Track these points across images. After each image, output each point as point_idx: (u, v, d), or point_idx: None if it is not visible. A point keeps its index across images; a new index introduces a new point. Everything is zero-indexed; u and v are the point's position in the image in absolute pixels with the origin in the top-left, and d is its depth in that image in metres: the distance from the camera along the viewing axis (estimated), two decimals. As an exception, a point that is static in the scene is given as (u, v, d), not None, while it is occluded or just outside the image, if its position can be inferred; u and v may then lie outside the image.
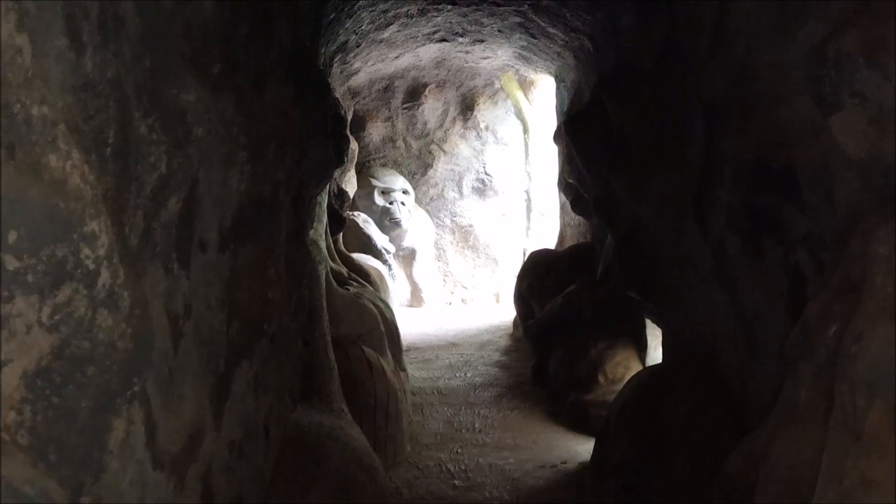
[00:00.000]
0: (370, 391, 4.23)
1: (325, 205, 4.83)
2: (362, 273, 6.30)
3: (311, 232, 4.44)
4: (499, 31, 6.26)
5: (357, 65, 7.07)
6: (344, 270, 5.46)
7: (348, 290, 4.94)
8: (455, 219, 9.99)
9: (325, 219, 4.72)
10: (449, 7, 5.40)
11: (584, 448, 4.59)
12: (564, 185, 6.97)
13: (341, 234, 7.01)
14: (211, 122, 1.74)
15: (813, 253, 2.49)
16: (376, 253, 8.12)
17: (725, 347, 3.30)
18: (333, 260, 5.41)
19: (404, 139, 9.68)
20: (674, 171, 3.64)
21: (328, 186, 6.28)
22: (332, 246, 5.59)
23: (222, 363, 2.09)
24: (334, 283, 4.58)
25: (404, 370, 5.43)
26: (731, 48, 2.87)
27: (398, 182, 9.20)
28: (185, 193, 1.69)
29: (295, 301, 3.32)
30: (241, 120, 2.10)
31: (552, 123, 8.22)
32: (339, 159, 4.90)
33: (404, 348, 7.15)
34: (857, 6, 1.91)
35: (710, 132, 3.15)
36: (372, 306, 4.83)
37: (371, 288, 5.54)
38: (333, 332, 4.36)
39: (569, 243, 7.46)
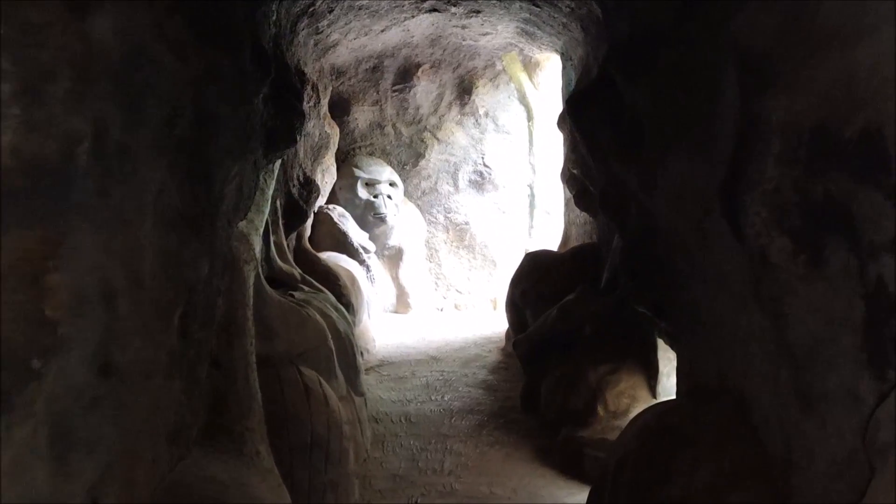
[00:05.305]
0: (305, 425, 3.35)
1: (269, 192, 3.96)
2: (329, 275, 5.41)
3: (242, 224, 3.59)
4: (496, -1, 5.38)
5: (335, 36, 6.21)
6: (297, 272, 4.57)
7: (293, 296, 4.05)
8: (449, 215, 9.01)
9: (266, 209, 3.85)
10: (434, -35, 4.51)
11: (576, 500, 3.69)
12: (568, 177, 6.07)
13: (309, 230, 6.17)
14: None
15: (910, 266, 1.62)
16: (352, 252, 7.17)
17: (762, 393, 2.46)
18: (284, 259, 4.53)
19: (394, 125, 8.68)
20: (698, 157, 2.76)
21: (291, 172, 5.43)
22: (284, 243, 4.71)
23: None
24: (268, 288, 3.70)
25: (361, 394, 4.52)
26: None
27: (384, 173, 8.24)
28: None
29: (184, 314, 2.47)
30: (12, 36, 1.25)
31: (559, 110, 7.31)
32: (289, 137, 4.05)
33: (377, 363, 6.25)
34: None
35: (749, 93, 2.24)
36: (319, 317, 3.93)
37: (326, 293, 4.64)
38: (266, 348, 3.49)
39: (573, 244, 6.53)
